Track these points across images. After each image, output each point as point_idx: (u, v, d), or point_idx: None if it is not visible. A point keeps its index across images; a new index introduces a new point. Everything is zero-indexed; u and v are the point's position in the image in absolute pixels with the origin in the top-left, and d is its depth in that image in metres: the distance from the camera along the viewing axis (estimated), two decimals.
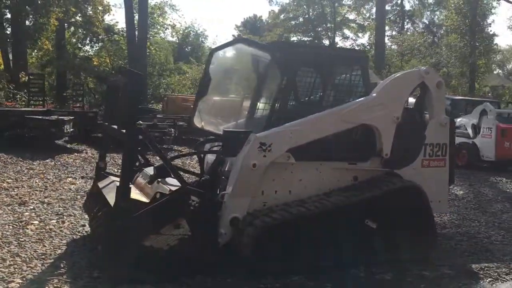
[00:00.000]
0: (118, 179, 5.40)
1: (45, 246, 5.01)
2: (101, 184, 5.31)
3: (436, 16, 46.30)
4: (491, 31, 36.10)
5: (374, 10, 37.47)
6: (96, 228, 4.63)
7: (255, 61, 5.53)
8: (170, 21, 36.58)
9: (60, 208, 6.64)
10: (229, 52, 5.80)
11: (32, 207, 6.59)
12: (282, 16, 40.79)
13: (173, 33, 39.37)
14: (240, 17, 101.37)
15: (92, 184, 5.81)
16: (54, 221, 5.97)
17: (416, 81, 5.50)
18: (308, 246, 4.64)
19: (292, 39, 39.01)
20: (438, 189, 5.59)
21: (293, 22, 39.88)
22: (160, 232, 4.18)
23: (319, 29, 39.23)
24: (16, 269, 4.34)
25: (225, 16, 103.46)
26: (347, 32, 40.91)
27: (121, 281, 4.06)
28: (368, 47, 38.86)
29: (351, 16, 39.84)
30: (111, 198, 4.55)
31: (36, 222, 5.89)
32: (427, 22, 46.90)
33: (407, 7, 44.47)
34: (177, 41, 42.96)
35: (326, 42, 38.82)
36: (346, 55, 6.24)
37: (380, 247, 4.98)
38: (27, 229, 5.57)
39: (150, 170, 5.58)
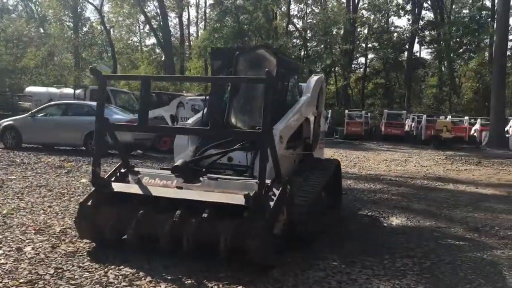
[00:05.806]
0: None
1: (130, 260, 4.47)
2: (128, 189, 4.88)
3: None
4: None
5: None
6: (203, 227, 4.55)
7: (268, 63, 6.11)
8: None
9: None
10: (252, 55, 6.31)
11: None
12: None
13: None
14: None
15: (94, 192, 4.88)
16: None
17: (320, 84, 7.61)
18: (321, 210, 6.06)
19: None
20: None
21: None
22: (278, 220, 4.96)
23: None
24: None
25: None
26: None
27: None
28: None
29: None
30: (206, 197, 4.59)
31: (29, 248, 4.77)
32: None
33: None
34: None
35: None
36: (296, 65, 7.74)
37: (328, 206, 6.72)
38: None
39: (147, 171, 5.36)
